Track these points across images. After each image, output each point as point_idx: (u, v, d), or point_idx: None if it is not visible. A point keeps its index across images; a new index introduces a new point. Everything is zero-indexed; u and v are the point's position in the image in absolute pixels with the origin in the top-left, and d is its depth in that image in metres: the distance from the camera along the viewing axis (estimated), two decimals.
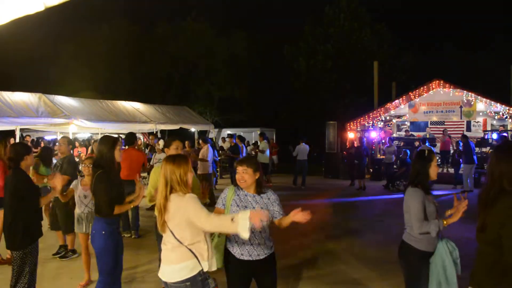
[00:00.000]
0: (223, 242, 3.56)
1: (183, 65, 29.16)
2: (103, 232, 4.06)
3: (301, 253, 7.01)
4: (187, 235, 3.08)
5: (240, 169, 3.52)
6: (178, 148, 4.72)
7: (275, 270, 3.65)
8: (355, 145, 17.00)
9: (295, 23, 32.15)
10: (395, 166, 15.72)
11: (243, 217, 2.84)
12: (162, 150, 9.43)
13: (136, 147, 8.66)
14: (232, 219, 2.88)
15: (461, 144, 14.60)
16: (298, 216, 3.26)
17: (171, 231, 3.10)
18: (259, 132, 16.87)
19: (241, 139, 15.10)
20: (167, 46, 29.05)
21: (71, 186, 5.61)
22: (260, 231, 3.44)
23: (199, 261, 3.10)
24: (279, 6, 33.66)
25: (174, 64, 29.12)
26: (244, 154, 14.13)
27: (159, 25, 30.11)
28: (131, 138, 8.58)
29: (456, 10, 34.52)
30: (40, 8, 1.58)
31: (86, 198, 5.54)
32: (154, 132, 16.86)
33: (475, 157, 13.89)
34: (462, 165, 14.29)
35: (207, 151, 11.26)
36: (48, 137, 18.66)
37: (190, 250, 3.09)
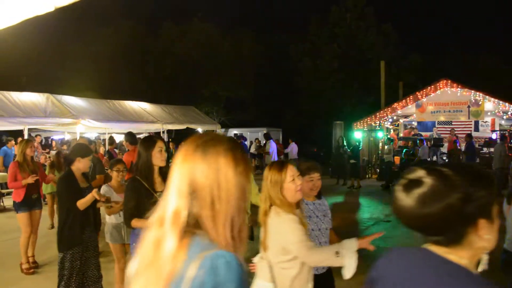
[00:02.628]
0: None
1: (189, 65, 29.21)
2: (134, 245, 3.57)
3: None
4: (280, 259, 2.66)
5: (316, 176, 3.15)
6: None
7: None
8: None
9: (301, 23, 32.18)
10: (392, 167, 15.75)
11: (350, 254, 2.45)
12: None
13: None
14: (337, 253, 2.49)
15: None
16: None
17: (266, 251, 2.74)
18: (264, 132, 16.93)
19: (244, 139, 15.23)
20: (173, 47, 29.13)
21: (102, 192, 4.74)
22: (321, 242, 3.11)
23: None
24: (285, 6, 33.65)
25: (180, 64, 29.18)
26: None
27: (166, 26, 30.21)
28: (134, 138, 8.33)
29: (463, 9, 34.35)
30: (50, 9, 1.59)
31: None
32: (161, 132, 16.92)
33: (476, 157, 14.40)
34: None
35: None
36: (56, 137, 18.73)
37: (272, 274, 2.69)
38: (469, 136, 14.75)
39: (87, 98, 15.85)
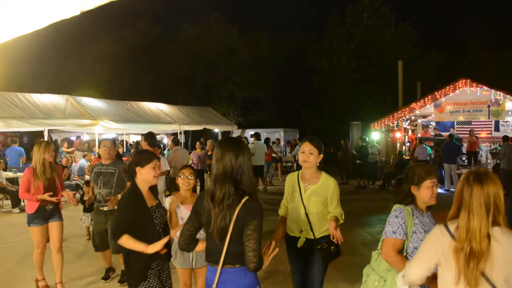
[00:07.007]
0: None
1: (205, 66, 29.32)
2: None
3: None
4: None
5: (435, 181, 2.77)
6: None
7: None
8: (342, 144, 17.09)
9: (317, 23, 32.04)
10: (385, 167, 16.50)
11: None
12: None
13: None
14: None
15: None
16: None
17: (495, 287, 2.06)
18: (282, 132, 16.97)
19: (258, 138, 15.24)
20: (190, 47, 29.26)
21: (167, 204, 4.17)
22: None
23: None
24: (301, 6, 33.56)
25: (197, 65, 29.30)
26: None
27: (183, 27, 30.38)
28: (155, 139, 7.63)
29: (481, 7, 33.82)
30: (76, 12, 1.60)
31: None
32: (179, 133, 17.01)
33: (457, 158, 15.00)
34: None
35: (173, 155, 10.55)
36: (73, 138, 18.96)
37: None
38: (450, 136, 15.20)
39: (105, 99, 16.04)
